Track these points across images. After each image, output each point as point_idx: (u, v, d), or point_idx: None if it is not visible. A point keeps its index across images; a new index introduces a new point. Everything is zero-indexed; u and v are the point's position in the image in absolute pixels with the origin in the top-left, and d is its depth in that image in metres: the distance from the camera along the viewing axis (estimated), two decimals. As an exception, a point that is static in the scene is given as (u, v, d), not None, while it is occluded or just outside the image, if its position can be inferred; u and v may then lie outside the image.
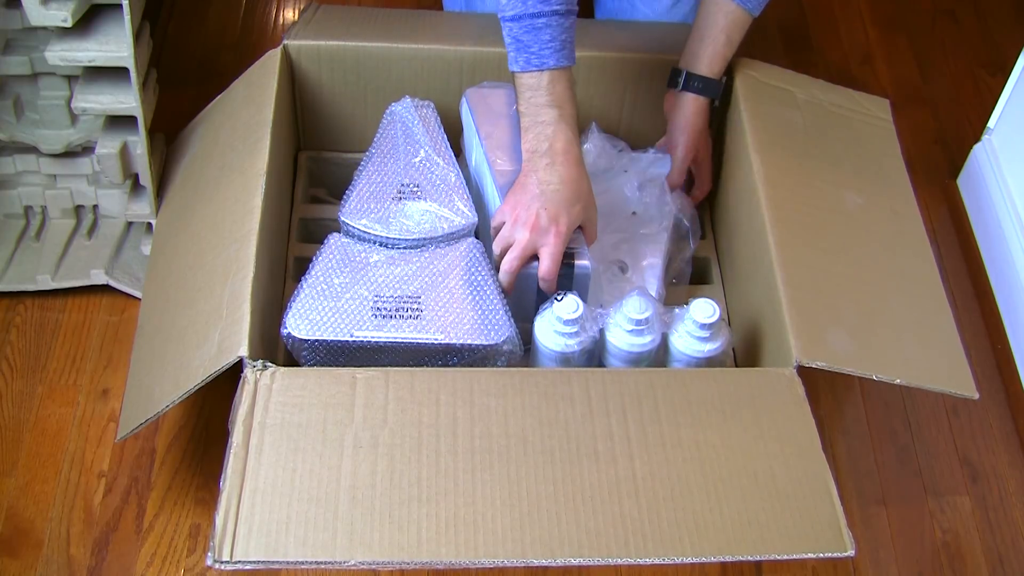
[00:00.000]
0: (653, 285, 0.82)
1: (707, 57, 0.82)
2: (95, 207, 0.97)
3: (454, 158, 0.83)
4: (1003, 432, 0.94)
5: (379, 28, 0.90)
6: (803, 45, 1.28)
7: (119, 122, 0.87)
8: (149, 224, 0.93)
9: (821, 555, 0.61)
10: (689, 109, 0.84)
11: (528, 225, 0.71)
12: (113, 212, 0.97)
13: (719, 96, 0.85)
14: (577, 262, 0.74)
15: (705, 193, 0.90)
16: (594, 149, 0.89)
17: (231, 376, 0.67)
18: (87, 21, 0.81)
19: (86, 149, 0.91)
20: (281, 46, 0.87)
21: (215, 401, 0.86)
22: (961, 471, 0.91)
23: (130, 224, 0.97)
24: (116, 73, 0.83)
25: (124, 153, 0.88)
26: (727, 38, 0.80)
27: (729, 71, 0.87)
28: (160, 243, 0.86)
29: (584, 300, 0.74)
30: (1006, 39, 1.28)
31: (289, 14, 1.28)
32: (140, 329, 0.80)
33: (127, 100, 0.83)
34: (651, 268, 0.83)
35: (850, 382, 0.95)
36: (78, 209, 0.98)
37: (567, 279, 0.75)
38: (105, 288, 0.94)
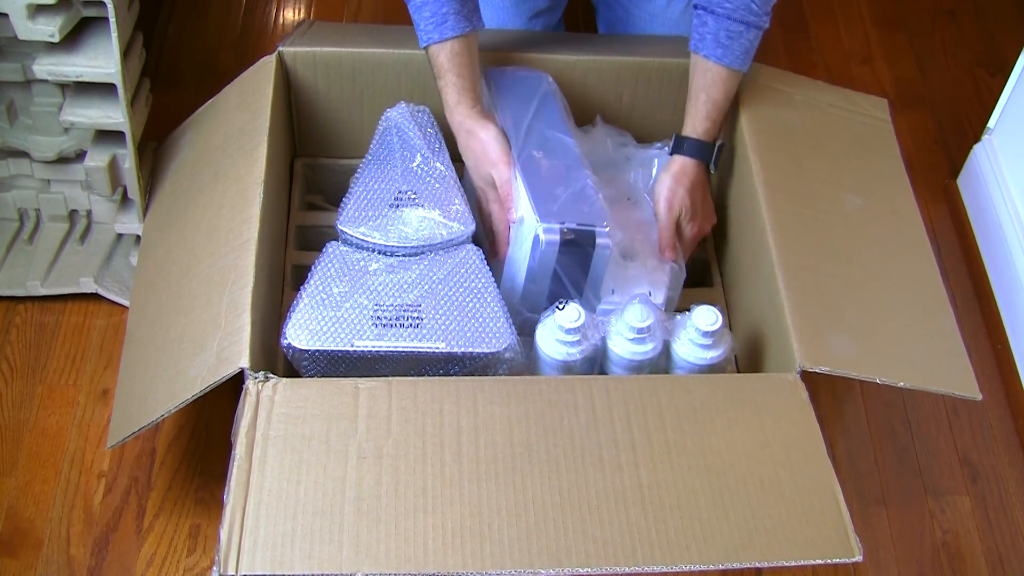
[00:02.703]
0: (664, 278, 0.80)
1: (690, 118, 0.81)
2: (89, 212, 0.97)
3: (451, 163, 0.83)
4: (1003, 432, 0.94)
5: (374, 37, 0.89)
6: (803, 45, 1.28)
7: (109, 134, 0.87)
8: (139, 236, 0.92)
9: (828, 561, 0.61)
10: (674, 166, 0.81)
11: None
12: (106, 219, 0.96)
13: (711, 159, 0.82)
14: (598, 240, 0.73)
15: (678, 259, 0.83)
16: (597, 139, 0.88)
17: (231, 378, 0.67)
18: (76, 35, 0.81)
19: (79, 155, 0.91)
20: (276, 52, 0.87)
21: (215, 402, 0.86)
22: (961, 471, 0.91)
23: (121, 233, 0.96)
24: (105, 87, 0.82)
25: (113, 166, 0.87)
26: (707, 97, 0.80)
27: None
28: (149, 248, 0.85)
29: (601, 279, 0.73)
30: (1006, 39, 1.28)
31: (289, 14, 1.27)
32: (129, 335, 0.80)
33: (115, 115, 0.83)
34: (661, 261, 0.81)
35: (850, 382, 0.95)
36: (72, 214, 0.97)
37: (586, 257, 0.74)
38: (101, 291, 0.94)
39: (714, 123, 0.81)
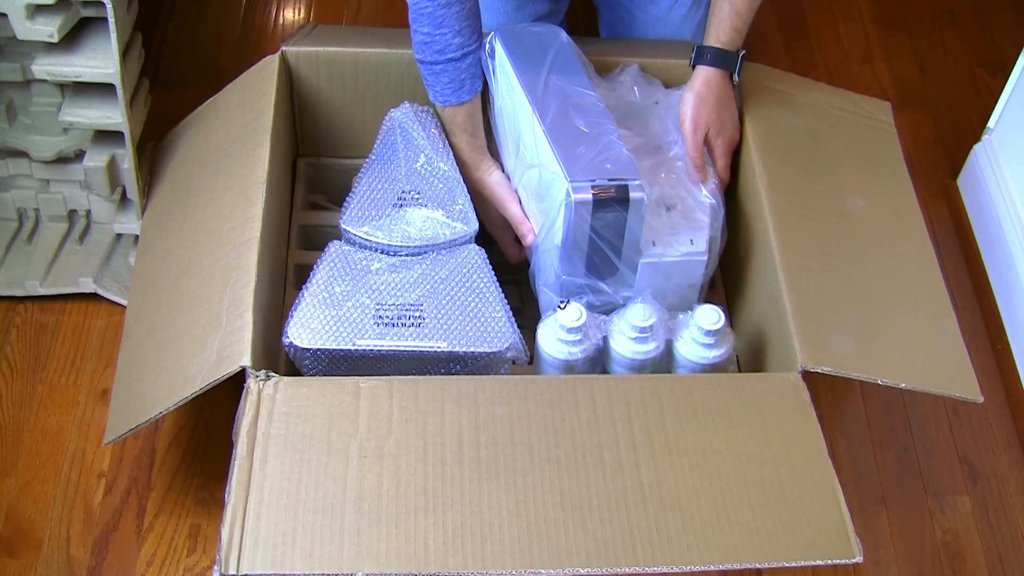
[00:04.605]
0: (704, 220, 0.78)
1: (713, 28, 0.80)
2: (88, 212, 0.97)
3: (455, 163, 0.83)
4: (1003, 432, 0.94)
5: (377, 37, 0.90)
6: (803, 45, 1.28)
7: (108, 134, 0.87)
8: (138, 236, 0.92)
9: (828, 562, 0.61)
10: (697, 81, 0.80)
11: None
12: (105, 219, 0.96)
13: (735, 69, 0.81)
14: (632, 194, 0.71)
15: (708, 178, 0.81)
16: (624, 87, 0.86)
17: (231, 377, 0.67)
18: (75, 35, 0.81)
19: (79, 155, 0.91)
20: (279, 52, 0.87)
21: (215, 401, 0.86)
22: (961, 471, 0.91)
23: (120, 233, 0.96)
24: (104, 87, 0.82)
25: (112, 167, 0.87)
26: (731, 6, 0.79)
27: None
28: (148, 245, 0.85)
29: (639, 233, 0.72)
30: (1006, 39, 1.29)
31: (289, 14, 1.27)
32: (127, 332, 0.80)
33: (114, 116, 0.83)
34: (700, 206, 0.79)
35: (850, 382, 0.95)
36: (71, 214, 0.97)
37: (621, 213, 0.72)
38: (101, 292, 0.94)
39: (738, 32, 0.79)
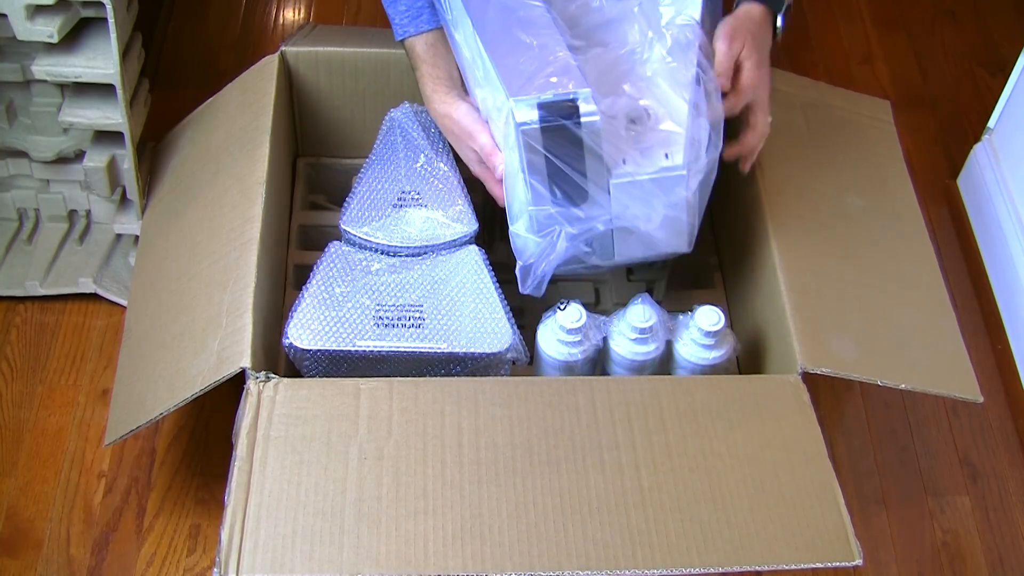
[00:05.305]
0: (679, 137, 0.68)
1: None
2: (88, 212, 0.97)
3: (455, 164, 0.83)
4: (1003, 432, 0.94)
5: (377, 38, 0.90)
6: (803, 45, 1.28)
7: (108, 134, 0.87)
8: (138, 236, 0.92)
9: (828, 564, 0.61)
10: (739, 10, 0.73)
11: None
12: (105, 219, 0.96)
13: (781, 10, 0.74)
14: (582, 109, 0.63)
15: (750, 143, 0.73)
16: None
17: (231, 378, 0.67)
18: (75, 35, 0.81)
19: (79, 155, 0.91)
20: (278, 52, 0.87)
21: (215, 402, 0.85)
22: (961, 471, 0.91)
23: (120, 233, 0.96)
24: (104, 87, 0.82)
25: (112, 167, 0.87)
26: None
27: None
28: (148, 246, 0.85)
29: (600, 152, 0.64)
30: (1006, 39, 1.28)
31: (289, 14, 1.27)
32: (128, 333, 0.80)
33: (114, 116, 0.83)
34: (674, 114, 0.69)
35: (850, 383, 0.95)
36: (71, 214, 0.97)
37: (574, 132, 0.63)
38: (101, 292, 0.94)
39: None
